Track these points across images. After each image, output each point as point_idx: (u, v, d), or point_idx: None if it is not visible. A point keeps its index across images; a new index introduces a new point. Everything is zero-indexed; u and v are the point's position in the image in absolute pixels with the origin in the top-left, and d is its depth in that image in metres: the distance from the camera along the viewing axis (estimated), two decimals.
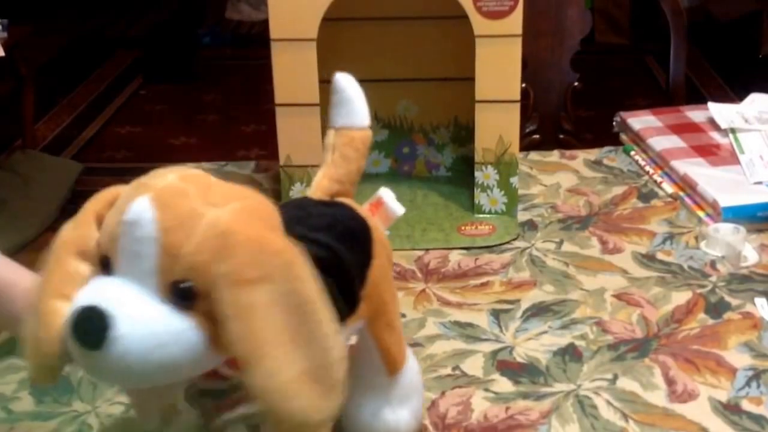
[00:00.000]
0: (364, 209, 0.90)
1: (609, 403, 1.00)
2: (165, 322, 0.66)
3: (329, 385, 0.67)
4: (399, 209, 0.93)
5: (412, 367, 0.92)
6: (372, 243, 0.86)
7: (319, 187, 0.89)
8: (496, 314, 1.17)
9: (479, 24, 1.30)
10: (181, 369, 0.68)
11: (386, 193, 0.93)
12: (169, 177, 0.71)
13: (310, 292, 0.68)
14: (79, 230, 0.73)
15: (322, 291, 0.69)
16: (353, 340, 0.89)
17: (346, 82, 0.89)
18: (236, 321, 0.65)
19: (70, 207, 2.87)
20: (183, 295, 0.67)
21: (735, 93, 3.14)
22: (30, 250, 2.72)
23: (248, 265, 0.66)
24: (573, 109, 1.96)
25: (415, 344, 1.12)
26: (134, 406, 0.73)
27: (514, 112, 1.36)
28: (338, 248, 0.80)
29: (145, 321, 0.65)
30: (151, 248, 0.67)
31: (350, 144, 0.89)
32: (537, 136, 1.94)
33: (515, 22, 1.30)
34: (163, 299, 0.67)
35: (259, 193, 0.74)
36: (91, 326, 0.64)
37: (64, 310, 0.68)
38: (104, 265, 0.69)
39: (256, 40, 4.65)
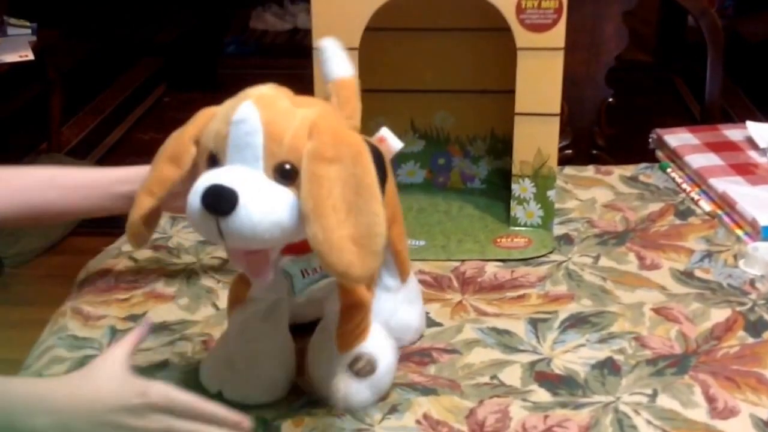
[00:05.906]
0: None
1: (649, 420, 1.00)
2: (274, 194, 0.86)
3: (370, 251, 0.85)
4: (398, 144, 1.11)
5: (414, 280, 1.15)
6: (385, 164, 1.04)
7: None
8: (533, 323, 1.17)
9: (522, 36, 1.30)
10: (287, 230, 0.86)
11: (386, 131, 1.10)
12: (261, 88, 0.91)
13: (369, 178, 0.87)
14: (177, 143, 0.93)
15: (377, 180, 0.88)
16: None
17: (326, 44, 1.05)
18: (308, 184, 0.85)
19: None
20: (285, 174, 0.86)
21: (762, 114, 3.12)
22: (54, 253, 2.72)
23: (328, 147, 0.87)
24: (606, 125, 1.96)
25: (452, 351, 1.12)
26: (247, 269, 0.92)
27: (554, 125, 1.35)
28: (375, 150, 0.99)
29: (260, 193, 0.85)
30: (258, 138, 0.86)
31: (343, 89, 1.04)
32: (570, 152, 1.94)
33: (558, 35, 1.30)
34: (270, 178, 0.86)
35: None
36: (221, 198, 0.83)
37: (146, 204, 0.93)
38: (212, 162, 0.88)
39: (280, 50, 4.66)
